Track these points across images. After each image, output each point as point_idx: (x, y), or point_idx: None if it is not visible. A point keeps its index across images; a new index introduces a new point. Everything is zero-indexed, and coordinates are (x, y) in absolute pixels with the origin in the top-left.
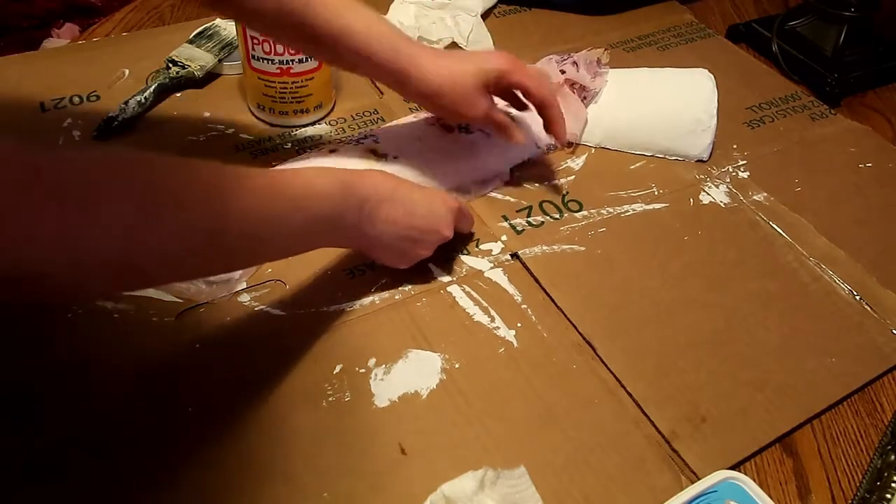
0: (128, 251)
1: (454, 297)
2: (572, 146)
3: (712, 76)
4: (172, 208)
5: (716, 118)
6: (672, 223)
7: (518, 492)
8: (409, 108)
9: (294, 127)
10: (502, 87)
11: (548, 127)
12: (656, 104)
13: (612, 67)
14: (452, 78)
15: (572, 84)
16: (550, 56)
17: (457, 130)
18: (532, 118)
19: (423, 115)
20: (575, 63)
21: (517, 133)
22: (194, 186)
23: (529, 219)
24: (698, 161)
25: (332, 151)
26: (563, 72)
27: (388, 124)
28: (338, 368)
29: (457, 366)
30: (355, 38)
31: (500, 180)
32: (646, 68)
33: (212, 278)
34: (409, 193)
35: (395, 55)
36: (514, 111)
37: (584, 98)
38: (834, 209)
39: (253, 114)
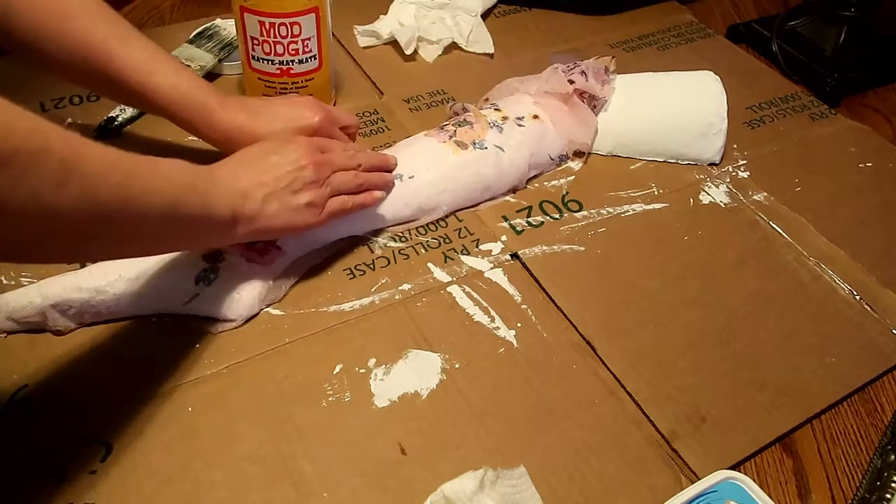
0: None
1: (454, 298)
2: (584, 156)
3: (719, 78)
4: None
5: (726, 121)
6: (672, 223)
7: (518, 492)
8: (410, 110)
9: None
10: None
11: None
12: (667, 110)
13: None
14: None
15: (581, 93)
16: (556, 65)
17: (471, 147)
18: (545, 129)
19: (434, 133)
20: (583, 72)
21: None
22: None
23: (529, 219)
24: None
25: None
26: (571, 82)
27: (397, 144)
28: (338, 368)
29: (457, 366)
30: (159, 95)
31: (513, 193)
32: (652, 73)
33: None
34: (257, 155)
35: (199, 115)
36: (547, 120)
37: (594, 107)
38: (834, 209)
39: None
